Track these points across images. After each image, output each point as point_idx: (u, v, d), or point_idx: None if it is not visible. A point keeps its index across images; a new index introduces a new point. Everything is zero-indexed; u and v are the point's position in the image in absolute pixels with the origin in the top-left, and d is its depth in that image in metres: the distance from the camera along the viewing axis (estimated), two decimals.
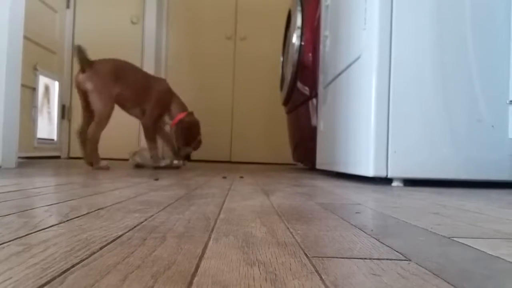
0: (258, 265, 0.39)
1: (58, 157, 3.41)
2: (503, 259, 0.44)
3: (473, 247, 0.49)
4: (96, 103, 1.99)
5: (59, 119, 3.40)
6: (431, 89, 1.46)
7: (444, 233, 0.57)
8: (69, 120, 3.53)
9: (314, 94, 2.43)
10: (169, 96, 2.29)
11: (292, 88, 2.70)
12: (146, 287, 0.31)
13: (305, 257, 0.42)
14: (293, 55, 2.58)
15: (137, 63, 3.30)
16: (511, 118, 1.46)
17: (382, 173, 1.46)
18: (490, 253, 0.46)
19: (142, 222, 0.58)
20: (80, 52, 1.97)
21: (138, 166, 2.27)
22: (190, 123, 2.28)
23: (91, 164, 2.01)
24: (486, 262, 0.43)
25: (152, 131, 2.21)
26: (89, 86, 1.98)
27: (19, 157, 2.11)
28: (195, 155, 2.95)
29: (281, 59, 3.25)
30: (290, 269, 0.38)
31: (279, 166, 3.28)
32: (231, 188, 1.19)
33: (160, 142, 2.41)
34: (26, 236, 0.47)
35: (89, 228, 0.53)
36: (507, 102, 1.47)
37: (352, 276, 0.36)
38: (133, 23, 3.63)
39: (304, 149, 2.71)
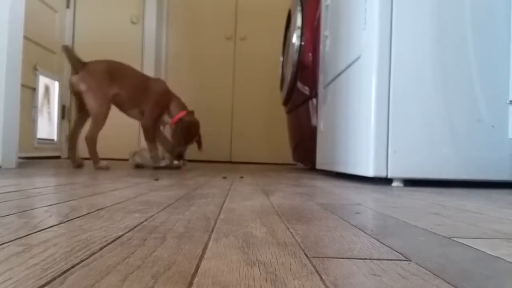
0: (258, 265, 0.39)
1: (58, 157, 3.41)
2: (503, 259, 0.44)
3: (473, 247, 0.49)
4: (91, 103, 1.97)
5: (59, 119, 3.40)
6: (431, 89, 1.46)
7: (444, 233, 0.57)
8: (69, 120, 3.53)
9: (314, 94, 2.43)
10: (167, 96, 2.28)
11: (292, 88, 2.70)
12: None
13: (305, 257, 0.42)
14: (293, 55, 2.58)
15: (137, 63, 3.32)
16: (511, 118, 1.46)
17: (382, 173, 1.46)
18: (490, 253, 0.46)
19: (142, 223, 0.58)
20: (68, 52, 1.96)
21: (138, 166, 2.27)
22: (190, 123, 2.28)
23: (77, 167, 2.04)
24: (486, 262, 0.43)
25: (151, 131, 2.21)
26: (82, 87, 1.96)
27: (19, 157, 2.11)
28: (194, 155, 2.95)
29: (281, 59, 3.25)
30: (290, 269, 0.38)
31: (279, 166, 3.28)
32: (231, 188, 1.19)
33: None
34: (26, 237, 0.47)
35: (89, 229, 0.53)
36: (507, 102, 1.47)
37: (352, 276, 0.36)
38: (133, 23, 3.63)
39: (304, 149, 2.71)
